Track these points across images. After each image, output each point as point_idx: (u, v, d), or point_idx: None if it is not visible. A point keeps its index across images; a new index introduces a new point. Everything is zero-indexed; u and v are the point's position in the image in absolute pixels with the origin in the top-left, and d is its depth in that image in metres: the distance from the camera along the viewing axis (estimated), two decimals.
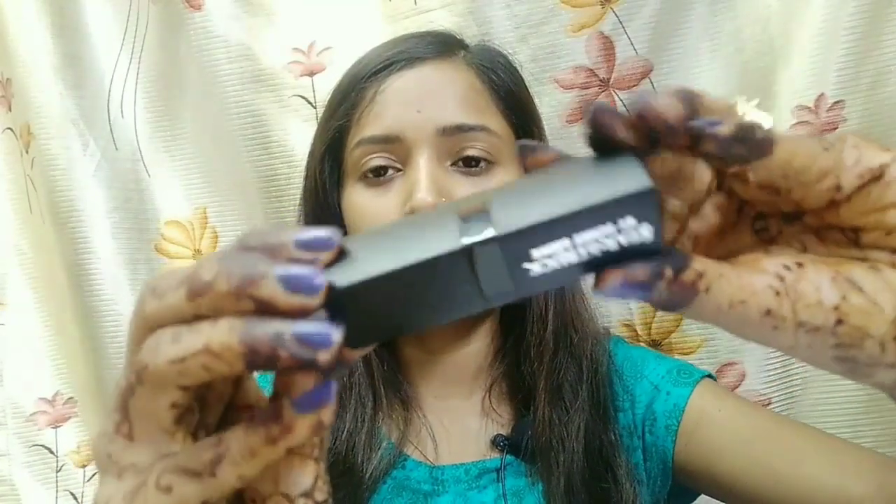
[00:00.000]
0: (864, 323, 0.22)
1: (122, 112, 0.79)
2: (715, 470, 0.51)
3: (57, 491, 0.83)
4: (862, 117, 0.69)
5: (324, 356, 0.20)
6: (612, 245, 0.21)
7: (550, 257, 0.21)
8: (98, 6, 0.79)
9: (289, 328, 0.20)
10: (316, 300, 0.20)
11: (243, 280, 0.20)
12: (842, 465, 0.46)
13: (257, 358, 0.20)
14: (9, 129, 0.83)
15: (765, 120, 0.24)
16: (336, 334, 0.20)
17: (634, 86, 0.74)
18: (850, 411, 0.71)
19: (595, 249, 0.21)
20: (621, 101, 0.74)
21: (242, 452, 0.21)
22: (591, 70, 0.74)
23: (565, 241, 0.21)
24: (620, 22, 0.72)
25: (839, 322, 0.22)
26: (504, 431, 0.56)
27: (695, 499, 0.59)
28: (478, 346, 0.58)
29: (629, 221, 0.21)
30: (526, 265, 0.21)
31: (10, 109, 0.82)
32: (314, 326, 0.20)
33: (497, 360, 0.59)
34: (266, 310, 0.20)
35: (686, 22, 0.73)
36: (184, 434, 0.23)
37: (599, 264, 0.21)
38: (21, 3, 0.78)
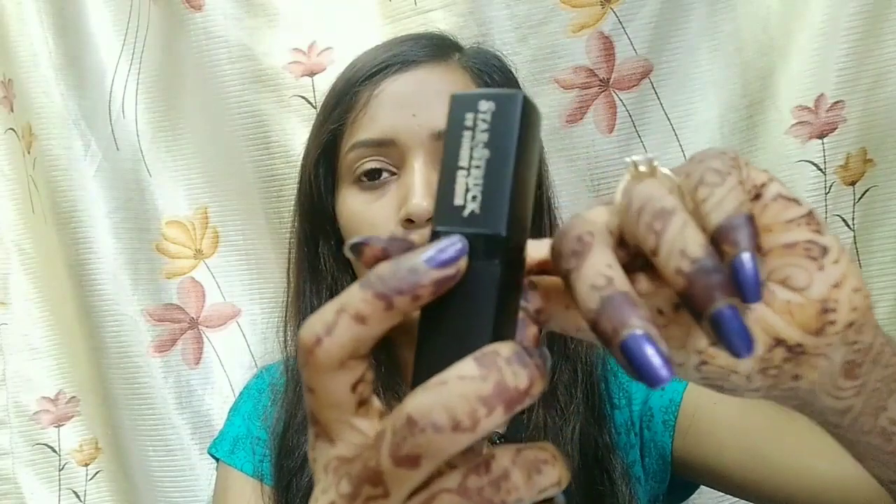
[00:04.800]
0: (729, 363, 0.23)
1: (123, 112, 0.79)
2: (713, 462, 0.52)
3: (59, 489, 0.84)
4: (862, 117, 0.69)
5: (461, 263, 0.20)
6: (482, 129, 0.22)
7: (468, 191, 0.21)
8: (99, 7, 0.79)
9: (416, 258, 0.20)
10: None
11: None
12: (838, 453, 0.47)
13: (400, 302, 0.20)
14: (11, 129, 0.83)
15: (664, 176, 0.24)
16: (460, 241, 0.20)
17: (634, 86, 0.74)
18: None
19: (479, 147, 0.22)
20: (621, 101, 0.74)
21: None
22: (591, 70, 0.74)
23: (461, 174, 0.22)
24: (620, 22, 0.72)
25: (703, 363, 0.23)
26: (500, 430, 0.56)
27: (694, 491, 0.60)
28: None
29: (483, 106, 0.22)
30: (463, 211, 0.22)
31: (11, 110, 0.82)
32: (440, 244, 0.21)
33: None
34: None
35: (686, 22, 0.73)
36: (367, 406, 0.22)
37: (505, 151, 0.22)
38: (21, 3, 0.78)
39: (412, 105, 0.52)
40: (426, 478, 0.20)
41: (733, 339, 0.19)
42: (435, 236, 0.22)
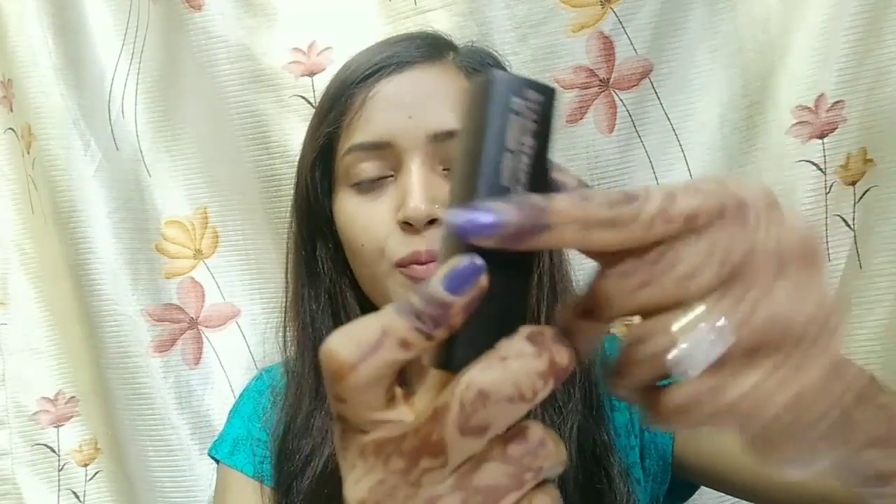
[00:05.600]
0: None
1: (122, 112, 0.79)
2: (714, 463, 0.52)
3: (59, 490, 0.84)
4: (862, 117, 0.69)
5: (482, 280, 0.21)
6: (531, 118, 0.22)
7: (515, 174, 0.22)
8: (98, 6, 0.79)
9: (436, 283, 0.21)
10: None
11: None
12: None
13: (438, 333, 0.21)
14: (10, 129, 0.83)
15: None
16: (475, 258, 0.21)
17: (634, 86, 0.74)
18: None
19: (528, 134, 0.22)
20: (621, 100, 0.74)
21: None
22: (591, 70, 0.74)
23: (507, 156, 0.22)
24: (620, 22, 0.72)
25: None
26: None
27: (694, 492, 0.60)
28: None
29: (531, 95, 0.22)
30: (509, 193, 0.22)
31: (11, 110, 0.82)
32: (454, 265, 0.21)
33: None
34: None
35: (686, 22, 0.73)
36: (393, 398, 0.23)
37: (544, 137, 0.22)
38: (21, 3, 0.78)
39: (408, 107, 0.51)
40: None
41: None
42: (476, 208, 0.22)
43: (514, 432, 0.22)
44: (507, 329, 0.22)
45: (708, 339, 0.20)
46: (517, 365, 0.21)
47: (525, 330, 0.22)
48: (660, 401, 0.22)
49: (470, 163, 0.22)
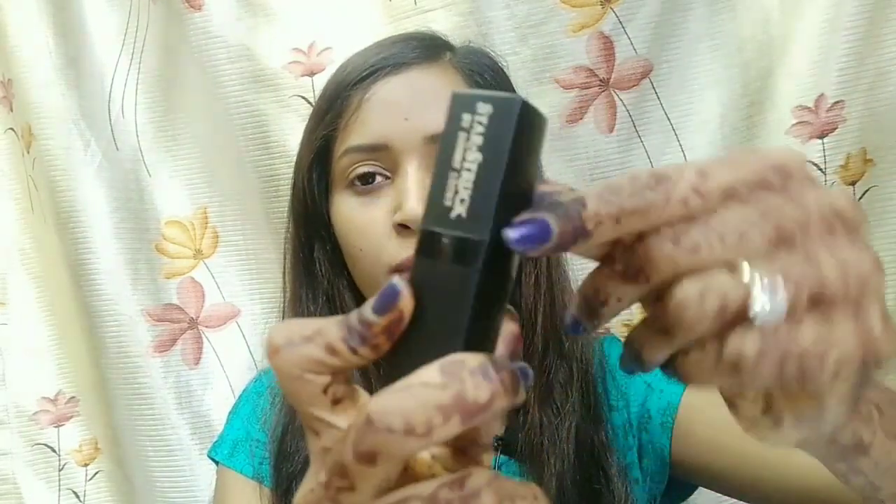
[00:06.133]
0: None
1: (122, 112, 0.79)
2: (712, 463, 0.52)
3: (59, 490, 0.84)
4: (862, 117, 0.69)
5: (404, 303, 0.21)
6: (477, 132, 0.21)
7: (457, 193, 0.22)
8: (98, 6, 0.79)
9: (369, 302, 0.22)
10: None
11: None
12: None
13: (363, 351, 0.22)
14: (10, 129, 0.83)
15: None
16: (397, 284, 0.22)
17: (634, 86, 0.74)
18: None
19: (472, 150, 0.22)
20: (621, 100, 0.74)
21: None
22: (591, 70, 0.74)
23: (452, 175, 0.22)
24: (620, 22, 0.72)
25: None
26: (498, 432, 0.56)
27: (693, 491, 0.60)
28: None
29: (481, 108, 0.21)
30: (451, 213, 0.22)
31: (11, 110, 0.82)
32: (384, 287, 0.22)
33: None
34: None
35: (686, 22, 0.73)
36: (344, 402, 0.23)
37: (497, 152, 0.21)
38: (21, 3, 0.78)
39: (404, 109, 0.51)
40: (388, 476, 0.21)
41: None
42: (421, 234, 0.22)
43: (457, 475, 0.21)
44: (439, 355, 0.20)
45: (779, 291, 0.20)
46: (414, 394, 0.19)
47: (446, 358, 0.20)
48: (714, 355, 0.21)
49: (430, 182, 0.22)
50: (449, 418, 0.19)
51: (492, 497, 0.20)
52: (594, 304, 0.23)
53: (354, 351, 0.22)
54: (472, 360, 0.20)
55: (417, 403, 0.19)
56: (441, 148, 0.22)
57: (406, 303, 0.21)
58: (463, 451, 0.23)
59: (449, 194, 0.22)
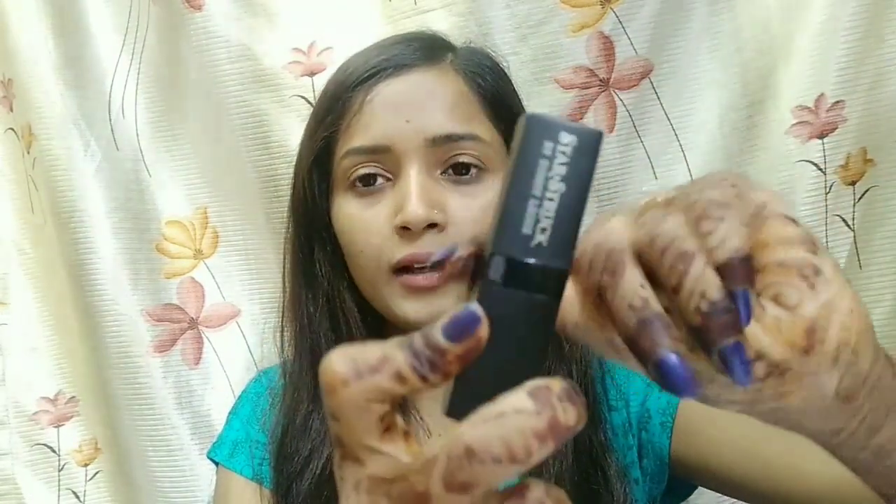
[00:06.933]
0: (707, 372, 0.24)
1: (122, 112, 0.79)
2: (711, 463, 0.52)
3: (59, 490, 0.84)
4: (862, 117, 0.69)
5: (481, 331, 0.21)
6: (561, 161, 0.22)
7: (538, 221, 0.22)
8: (98, 6, 0.79)
9: (437, 327, 0.21)
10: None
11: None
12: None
13: (434, 378, 0.21)
14: (10, 129, 0.83)
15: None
16: (475, 308, 0.21)
17: (634, 86, 0.74)
18: None
19: (555, 179, 0.22)
20: (621, 100, 0.74)
21: None
22: (591, 70, 0.74)
23: (532, 203, 0.22)
24: (620, 22, 0.72)
25: None
26: None
27: (693, 491, 0.60)
28: None
29: (565, 139, 0.22)
30: (531, 241, 0.22)
31: (11, 110, 0.82)
32: (455, 312, 0.21)
33: None
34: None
35: (686, 22, 0.73)
36: (391, 431, 0.22)
37: (578, 186, 0.22)
38: (21, 3, 0.78)
39: (406, 111, 0.51)
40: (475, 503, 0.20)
41: (737, 371, 0.22)
42: (493, 259, 0.22)
43: (512, 489, 0.21)
44: (515, 381, 0.20)
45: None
46: (511, 422, 0.19)
47: (530, 384, 0.20)
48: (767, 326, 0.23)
49: (500, 206, 0.22)
50: (545, 442, 0.19)
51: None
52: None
53: (424, 378, 0.21)
54: (556, 385, 0.20)
55: (516, 431, 0.19)
56: (515, 172, 0.22)
57: (484, 330, 0.21)
58: None
59: (529, 222, 0.22)
